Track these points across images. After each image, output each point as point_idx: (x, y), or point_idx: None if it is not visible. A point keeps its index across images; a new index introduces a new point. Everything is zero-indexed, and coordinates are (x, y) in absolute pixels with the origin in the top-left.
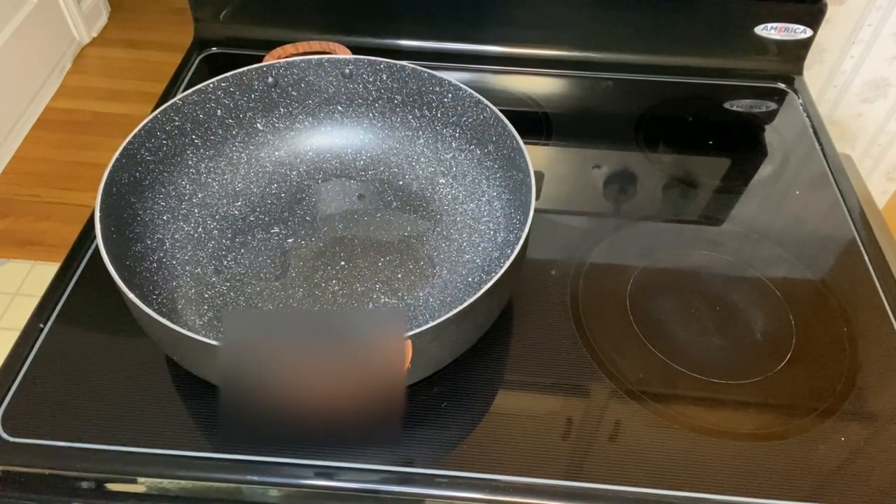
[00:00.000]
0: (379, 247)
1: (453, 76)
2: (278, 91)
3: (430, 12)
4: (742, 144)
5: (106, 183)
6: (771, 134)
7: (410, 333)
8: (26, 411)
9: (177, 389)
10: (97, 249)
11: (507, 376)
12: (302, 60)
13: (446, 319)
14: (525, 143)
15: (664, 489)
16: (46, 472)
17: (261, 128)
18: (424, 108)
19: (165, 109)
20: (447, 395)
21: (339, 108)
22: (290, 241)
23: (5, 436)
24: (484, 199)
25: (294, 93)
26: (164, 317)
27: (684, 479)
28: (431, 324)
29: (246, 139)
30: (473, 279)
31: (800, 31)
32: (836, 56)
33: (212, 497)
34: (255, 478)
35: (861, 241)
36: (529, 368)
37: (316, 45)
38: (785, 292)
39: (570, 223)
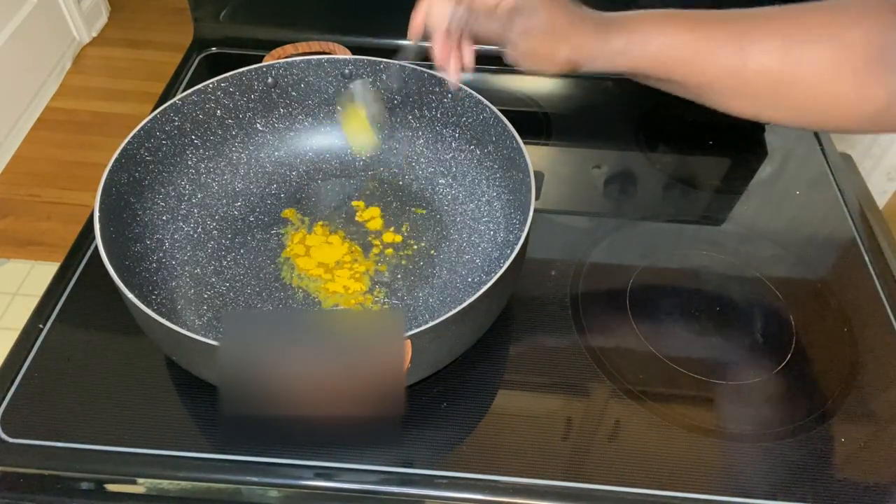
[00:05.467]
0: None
1: None
2: (278, 91)
3: None
4: (742, 144)
5: (105, 183)
6: (771, 134)
7: (410, 333)
8: (26, 412)
9: (176, 390)
10: (97, 249)
11: (507, 376)
12: (302, 61)
13: (446, 319)
14: (525, 143)
15: (664, 490)
16: (46, 472)
17: (260, 128)
18: (424, 108)
19: (165, 109)
20: (447, 396)
21: (339, 108)
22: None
23: (5, 436)
24: (484, 199)
25: (294, 93)
26: (163, 317)
27: (684, 480)
28: (431, 324)
29: (246, 139)
30: (473, 279)
31: None
32: None
33: (211, 498)
34: (255, 478)
35: (861, 241)
36: (529, 368)
37: (316, 45)
38: (785, 292)
39: (570, 223)
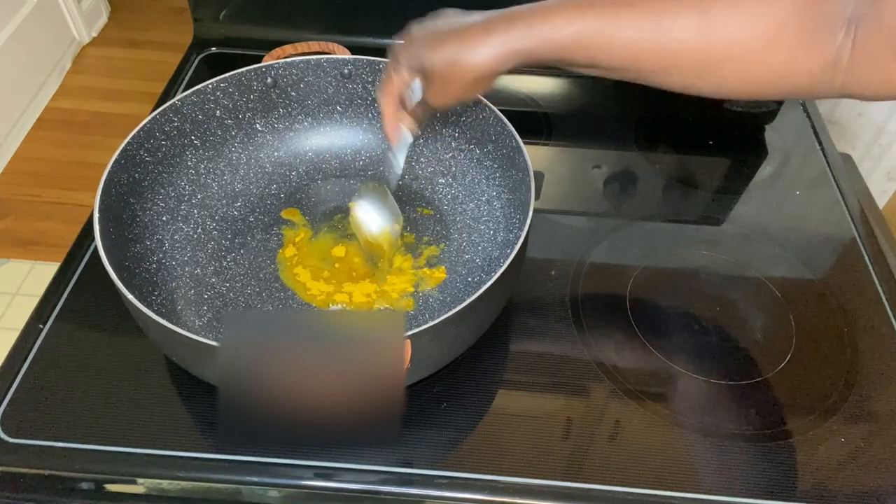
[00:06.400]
0: None
1: None
2: (277, 91)
3: (430, 12)
4: (742, 144)
5: (105, 184)
6: (771, 134)
7: (410, 333)
8: (26, 412)
9: (176, 390)
10: (97, 250)
11: (507, 376)
12: (301, 61)
13: (446, 319)
14: (525, 143)
15: (664, 489)
16: (46, 472)
17: (260, 128)
18: None
19: (164, 110)
20: (446, 396)
21: (339, 108)
22: None
23: (5, 436)
24: (483, 198)
25: (293, 93)
26: (163, 318)
27: (684, 480)
28: (431, 324)
29: (245, 140)
30: (473, 279)
31: None
32: None
33: (211, 498)
34: (255, 478)
35: (861, 241)
36: (529, 368)
37: (315, 45)
38: (785, 292)
39: (570, 223)
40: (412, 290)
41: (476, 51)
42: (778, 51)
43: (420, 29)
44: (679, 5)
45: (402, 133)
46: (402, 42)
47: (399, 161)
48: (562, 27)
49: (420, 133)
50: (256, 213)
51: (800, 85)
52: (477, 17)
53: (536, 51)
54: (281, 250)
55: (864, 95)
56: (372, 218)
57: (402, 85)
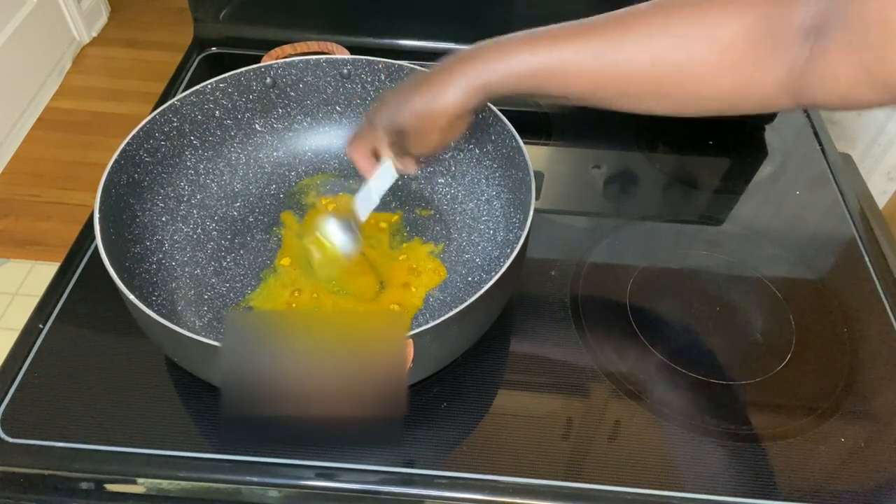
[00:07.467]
0: None
1: None
2: (277, 91)
3: (429, 12)
4: (742, 144)
5: (104, 184)
6: (771, 134)
7: (411, 333)
8: (26, 412)
9: (177, 390)
10: (97, 250)
11: (507, 376)
12: (300, 61)
13: (447, 319)
14: (525, 142)
15: (664, 489)
16: (46, 472)
17: (259, 128)
18: None
19: (164, 111)
20: (447, 396)
21: (338, 108)
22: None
23: (5, 437)
24: (483, 198)
25: (292, 93)
26: (163, 318)
27: (684, 480)
28: (432, 323)
29: (244, 140)
30: (473, 279)
31: None
32: None
33: (211, 498)
34: (255, 478)
35: (861, 241)
36: (529, 368)
37: (314, 45)
38: (785, 292)
39: (570, 223)
40: (420, 304)
41: (442, 95)
42: (729, 72)
43: (390, 92)
44: (631, 33)
45: (382, 169)
46: (374, 106)
47: (377, 193)
48: (520, 60)
49: (417, 173)
50: (256, 214)
51: (757, 101)
52: (438, 65)
53: (499, 85)
54: (279, 252)
55: (827, 105)
56: (336, 235)
57: (374, 140)
